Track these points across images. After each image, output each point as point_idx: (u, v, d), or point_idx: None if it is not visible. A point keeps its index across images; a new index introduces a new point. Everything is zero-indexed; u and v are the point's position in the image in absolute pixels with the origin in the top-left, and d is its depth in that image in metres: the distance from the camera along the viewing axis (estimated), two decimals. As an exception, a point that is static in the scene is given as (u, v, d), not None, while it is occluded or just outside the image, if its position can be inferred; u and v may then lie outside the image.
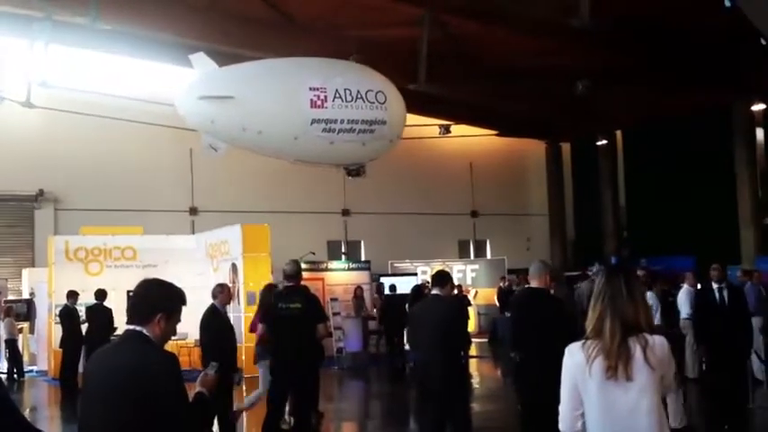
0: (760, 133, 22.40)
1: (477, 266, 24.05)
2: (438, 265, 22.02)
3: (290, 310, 7.23)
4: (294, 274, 7.43)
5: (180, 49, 18.80)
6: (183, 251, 16.83)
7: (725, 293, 8.43)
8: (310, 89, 8.00)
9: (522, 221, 27.81)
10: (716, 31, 16.03)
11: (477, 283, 23.12)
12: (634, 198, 26.24)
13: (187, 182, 21.51)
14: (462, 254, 26.68)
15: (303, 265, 17.01)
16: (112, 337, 11.83)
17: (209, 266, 16.50)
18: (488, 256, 26.73)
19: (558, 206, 27.83)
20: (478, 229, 27.16)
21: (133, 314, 3.39)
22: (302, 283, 7.82)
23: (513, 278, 20.95)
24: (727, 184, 21.77)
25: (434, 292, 6.98)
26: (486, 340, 20.50)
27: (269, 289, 9.51)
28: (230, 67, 9.58)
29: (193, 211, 21.74)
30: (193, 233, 19.64)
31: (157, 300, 3.39)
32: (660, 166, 24.10)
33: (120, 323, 3.80)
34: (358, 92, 8.79)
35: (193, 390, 3.52)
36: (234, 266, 15.31)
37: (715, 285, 8.54)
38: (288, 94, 8.01)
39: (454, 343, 6.84)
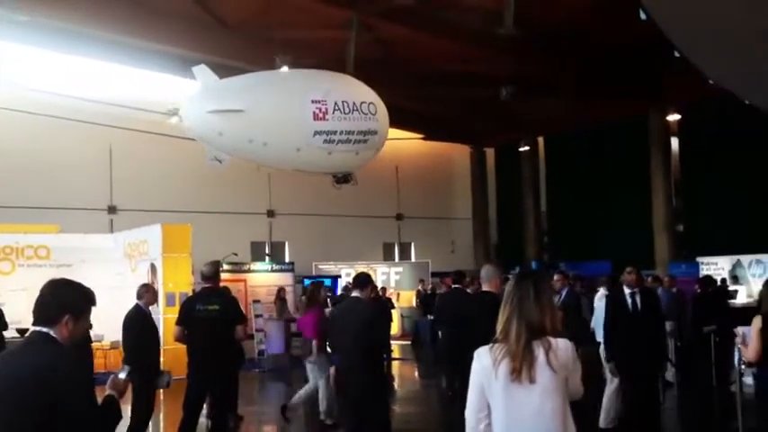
0: (675, 143, 23.18)
1: (401, 269, 24.20)
2: (362, 268, 22.06)
3: (208, 311, 7.13)
4: (212, 275, 7.34)
5: (101, 44, 18.41)
6: (100, 251, 16.37)
7: (637, 299, 7.76)
8: (312, 102, 8.19)
9: (446, 225, 28.12)
10: (634, 43, 16.53)
11: (401, 285, 23.26)
12: (555, 203, 26.82)
13: (106, 180, 20.95)
14: (387, 256, 26.81)
15: (225, 267, 17.02)
16: (9, 339, 11.48)
17: (127, 267, 16.13)
18: (413, 258, 26.93)
19: (481, 210, 28.24)
20: (403, 231, 27.34)
21: (39, 315, 3.30)
22: (223, 284, 7.76)
23: (437, 281, 21.16)
24: (644, 191, 22.46)
25: (354, 294, 6.98)
26: (408, 342, 20.65)
27: (317, 286, 10.01)
28: (231, 79, 9.52)
29: (112, 209, 21.19)
30: (112, 232, 19.17)
31: (65, 300, 3.31)
32: (580, 173, 24.73)
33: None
34: (354, 103, 9.04)
35: (103, 393, 3.45)
36: (153, 267, 15.01)
37: (627, 290, 7.84)
38: (292, 107, 8.20)
39: (374, 346, 6.86)
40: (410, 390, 14.46)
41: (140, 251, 15.72)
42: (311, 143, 8.33)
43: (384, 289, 19.49)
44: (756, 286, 18.10)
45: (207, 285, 7.35)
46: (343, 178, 11.19)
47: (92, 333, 13.75)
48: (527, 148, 26.56)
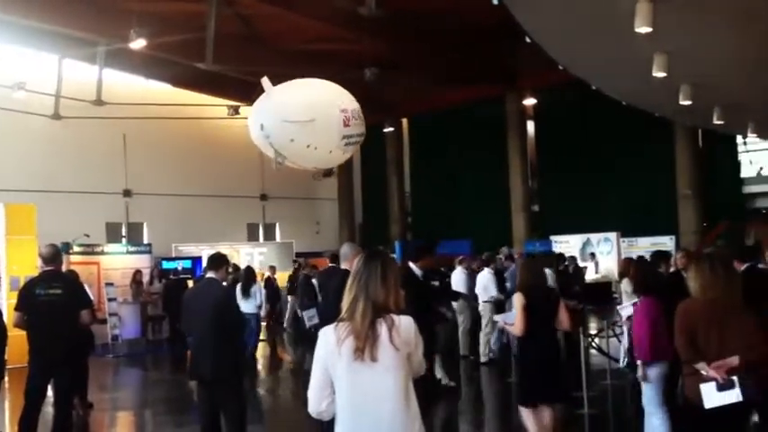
0: (531, 126, 24.06)
1: (264, 250, 23.93)
2: (224, 248, 21.64)
3: (49, 295, 6.74)
4: (52, 257, 6.93)
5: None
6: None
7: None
8: (341, 111, 8.91)
9: (311, 205, 28.03)
10: (491, 27, 16.96)
11: (265, 266, 22.96)
12: (418, 184, 27.26)
13: (-57, 156, 19.50)
14: (251, 237, 26.45)
15: (76, 249, 16.26)
16: None
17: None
18: (278, 239, 26.70)
19: (347, 191, 28.33)
20: (268, 212, 27.03)
21: None
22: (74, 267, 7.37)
23: (302, 262, 21.14)
24: (502, 172, 23.22)
25: (209, 275, 6.79)
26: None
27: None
28: (288, 88, 9.80)
29: (-49, 189, 19.74)
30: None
31: None
32: (442, 154, 25.20)
33: None
34: (355, 110, 9.76)
35: None
36: (-6, 250, 14.09)
37: (417, 272, 7.58)
38: (335, 116, 8.89)
39: (229, 328, 6.73)
40: (272, 370, 14.36)
41: (-19, 233, 14.70)
42: (338, 146, 9.13)
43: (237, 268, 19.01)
44: (605, 263, 19.19)
45: (48, 269, 6.95)
46: (329, 171, 11.68)
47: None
48: (391, 129, 26.82)
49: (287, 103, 9.42)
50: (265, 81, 9.66)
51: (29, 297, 6.85)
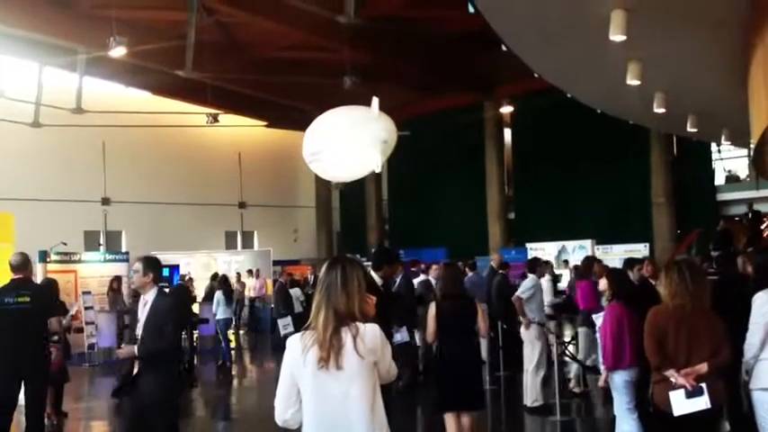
0: (508, 134, 24.14)
1: (241, 258, 23.84)
2: (202, 257, 21.63)
3: (19, 304, 6.69)
4: (21, 265, 6.86)
5: None
6: None
7: None
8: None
9: (290, 213, 27.99)
10: (470, 35, 17.06)
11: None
12: (396, 191, 27.25)
13: None
14: (229, 245, 26.36)
15: (53, 257, 16.12)
16: None
17: (-59, 258, 14.89)
18: (256, 247, 26.63)
19: (325, 198, 28.29)
20: (246, 220, 26.96)
21: None
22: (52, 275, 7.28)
23: (278, 270, 21.08)
24: (479, 180, 23.28)
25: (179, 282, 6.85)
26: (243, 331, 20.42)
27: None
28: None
29: (-73, 196, 19.52)
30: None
31: None
32: (420, 162, 25.18)
33: None
34: None
35: None
36: (-30, 258, 13.92)
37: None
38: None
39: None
40: (248, 379, 14.31)
41: (-44, 241, 14.55)
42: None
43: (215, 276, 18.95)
44: (581, 270, 19.24)
45: (17, 276, 6.88)
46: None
47: None
48: (369, 136, 26.76)
49: (390, 123, 10.93)
50: (375, 102, 11.09)
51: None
